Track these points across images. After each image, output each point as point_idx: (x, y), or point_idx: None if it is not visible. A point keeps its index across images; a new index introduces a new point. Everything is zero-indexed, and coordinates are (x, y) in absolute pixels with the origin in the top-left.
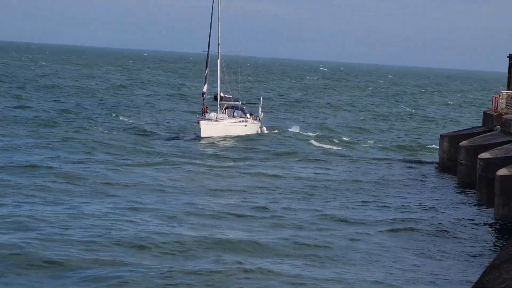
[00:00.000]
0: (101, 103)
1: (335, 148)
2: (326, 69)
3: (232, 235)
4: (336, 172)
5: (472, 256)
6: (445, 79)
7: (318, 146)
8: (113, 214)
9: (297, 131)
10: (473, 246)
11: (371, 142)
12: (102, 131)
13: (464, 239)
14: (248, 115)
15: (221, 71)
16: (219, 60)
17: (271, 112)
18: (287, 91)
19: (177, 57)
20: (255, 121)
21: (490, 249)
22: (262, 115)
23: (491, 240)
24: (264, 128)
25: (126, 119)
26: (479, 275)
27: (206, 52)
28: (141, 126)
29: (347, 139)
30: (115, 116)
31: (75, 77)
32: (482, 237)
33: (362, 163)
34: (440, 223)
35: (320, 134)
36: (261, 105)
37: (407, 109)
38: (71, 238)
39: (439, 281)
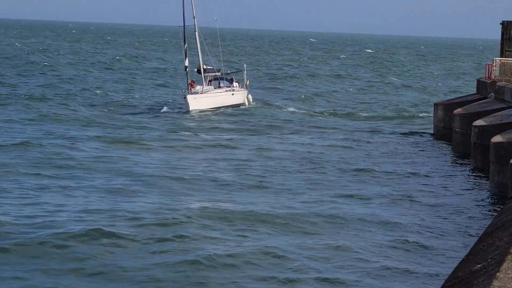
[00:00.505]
0: (83, 80)
1: (326, 119)
2: (315, 40)
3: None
4: (329, 143)
5: (467, 224)
6: (438, 47)
7: (308, 118)
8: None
9: (285, 103)
10: (468, 214)
11: (363, 113)
12: (86, 108)
13: (459, 206)
14: (234, 84)
15: (200, 43)
16: (197, 33)
17: (257, 85)
18: (273, 62)
19: (156, 30)
20: (242, 89)
21: (484, 217)
22: (248, 82)
23: (486, 207)
24: (250, 96)
25: (113, 96)
26: (474, 243)
27: (182, 27)
28: (127, 103)
29: (337, 110)
30: (101, 93)
31: (66, 54)
32: (477, 205)
33: (354, 134)
34: (434, 191)
35: (309, 106)
36: (245, 72)
37: (398, 78)
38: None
39: (434, 249)
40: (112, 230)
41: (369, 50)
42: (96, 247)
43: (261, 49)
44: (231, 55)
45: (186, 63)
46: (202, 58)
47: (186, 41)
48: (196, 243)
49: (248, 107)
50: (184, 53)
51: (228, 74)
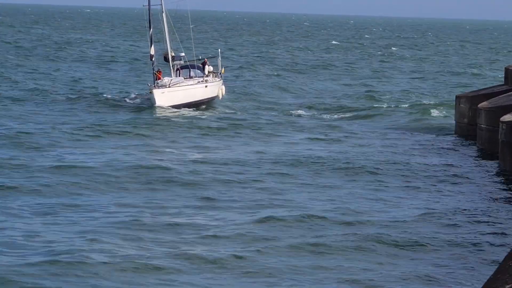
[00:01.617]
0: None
1: (327, 115)
2: (308, 24)
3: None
4: (340, 141)
5: (493, 235)
6: (448, 29)
7: (309, 115)
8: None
9: (270, 97)
10: (494, 225)
11: (364, 107)
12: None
13: (485, 215)
14: (207, 69)
15: (168, 26)
16: (164, 14)
17: (233, 73)
18: (256, 48)
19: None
20: (217, 79)
21: None
22: (223, 70)
23: None
24: (223, 88)
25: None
26: (503, 258)
27: (147, 7)
28: (89, 98)
29: (342, 104)
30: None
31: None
32: (506, 214)
33: (360, 133)
34: (455, 198)
35: (306, 101)
36: (219, 59)
37: (408, 63)
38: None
39: (457, 262)
40: None
41: (367, 36)
42: None
43: (238, 30)
44: (208, 40)
45: (152, 51)
46: (171, 44)
47: (151, 24)
48: None
49: (222, 102)
50: (149, 39)
51: (199, 59)
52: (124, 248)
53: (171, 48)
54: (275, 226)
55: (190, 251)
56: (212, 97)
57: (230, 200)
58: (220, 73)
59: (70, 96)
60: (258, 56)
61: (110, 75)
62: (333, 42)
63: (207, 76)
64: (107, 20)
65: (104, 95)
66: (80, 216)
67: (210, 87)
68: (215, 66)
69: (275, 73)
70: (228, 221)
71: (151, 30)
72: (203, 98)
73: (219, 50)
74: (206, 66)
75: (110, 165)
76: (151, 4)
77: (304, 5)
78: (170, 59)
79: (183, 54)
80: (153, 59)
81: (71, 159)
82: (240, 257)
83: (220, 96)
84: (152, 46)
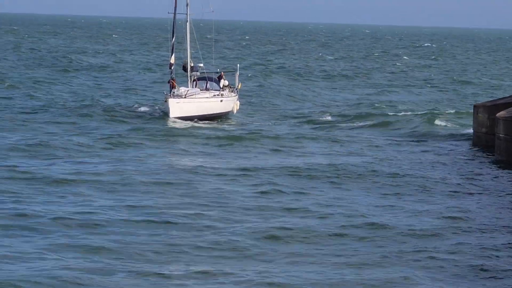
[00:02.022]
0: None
1: (341, 124)
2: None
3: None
4: (357, 151)
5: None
6: (464, 38)
7: (315, 125)
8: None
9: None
10: None
11: (379, 116)
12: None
13: (506, 226)
14: (222, 83)
15: (191, 36)
16: (188, 23)
17: (249, 85)
18: (275, 58)
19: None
20: (232, 94)
21: None
22: (240, 85)
23: None
24: (238, 102)
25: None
26: None
27: (172, 15)
28: (103, 106)
29: (358, 113)
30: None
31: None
32: None
33: (375, 142)
34: (476, 209)
35: (316, 110)
36: (238, 74)
37: (424, 72)
38: None
39: (483, 273)
40: None
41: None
42: None
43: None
44: (228, 49)
45: (172, 60)
46: (191, 54)
47: (175, 33)
48: None
49: (237, 116)
50: (171, 48)
51: (216, 72)
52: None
53: (191, 58)
54: (290, 237)
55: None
56: (226, 112)
57: (245, 208)
58: (237, 89)
59: (81, 106)
60: (270, 65)
61: (119, 85)
62: (350, 52)
63: (223, 90)
64: (122, 29)
65: (116, 105)
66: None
67: (226, 102)
68: (232, 80)
69: (290, 82)
70: (243, 228)
71: (174, 38)
72: (217, 112)
73: (238, 65)
74: (222, 80)
75: (124, 174)
76: (177, 12)
77: (319, 14)
78: (189, 69)
79: (201, 64)
80: (172, 67)
81: (86, 169)
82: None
83: (235, 111)
84: (173, 55)
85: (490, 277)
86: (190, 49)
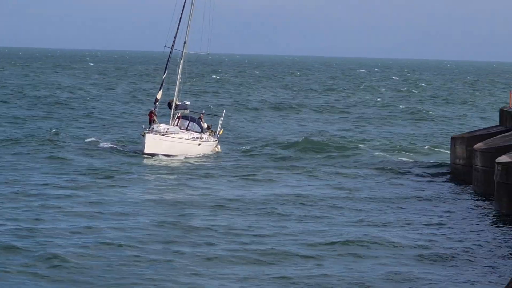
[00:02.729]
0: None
1: (320, 156)
2: (319, 66)
3: None
4: (325, 184)
5: (490, 279)
6: (438, 71)
7: (299, 156)
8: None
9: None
10: (490, 269)
11: (363, 146)
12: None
13: (479, 259)
14: (203, 124)
15: (182, 74)
16: (181, 61)
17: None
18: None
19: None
20: (212, 138)
21: (508, 272)
22: (221, 132)
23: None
24: (219, 147)
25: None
26: None
27: (169, 49)
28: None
29: (333, 145)
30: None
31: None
32: (500, 257)
33: (354, 173)
34: (453, 244)
35: (301, 140)
36: (222, 119)
37: (401, 106)
38: None
39: None
40: None
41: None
42: None
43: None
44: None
45: (159, 95)
46: (179, 91)
47: (167, 68)
48: None
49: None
50: (161, 83)
51: (203, 113)
52: None
53: (178, 95)
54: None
55: None
56: (203, 155)
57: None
58: (218, 135)
59: (56, 141)
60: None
61: (97, 119)
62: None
63: (203, 132)
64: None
65: (92, 139)
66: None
67: (204, 146)
68: (215, 125)
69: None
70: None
71: (165, 74)
72: (193, 154)
73: (224, 111)
74: (201, 122)
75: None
76: (173, 48)
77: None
78: (173, 107)
79: (188, 102)
80: (157, 103)
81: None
82: None
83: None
84: (161, 90)
85: None
86: (179, 87)
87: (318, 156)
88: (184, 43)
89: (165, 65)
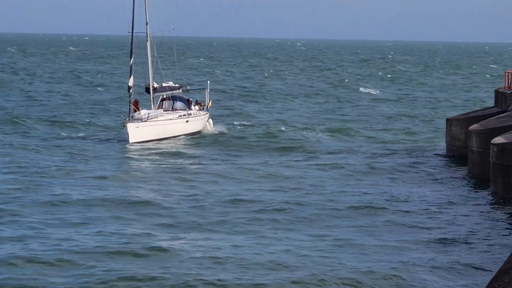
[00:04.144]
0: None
1: (315, 139)
2: (304, 48)
3: None
4: (326, 168)
5: (481, 259)
6: (436, 53)
7: (296, 139)
8: None
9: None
10: (483, 248)
11: (354, 133)
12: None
13: (474, 239)
14: (193, 106)
15: (152, 56)
16: (148, 43)
17: (225, 104)
18: (247, 75)
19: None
20: (202, 112)
21: (502, 251)
22: (210, 103)
23: (505, 240)
24: (211, 121)
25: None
26: (488, 281)
27: (130, 34)
28: (53, 131)
29: (326, 129)
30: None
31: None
32: (494, 237)
33: (351, 158)
34: (446, 221)
35: (295, 124)
36: (208, 91)
37: (397, 91)
38: None
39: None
40: None
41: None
42: None
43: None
44: (194, 70)
45: (131, 82)
46: (153, 74)
47: (133, 54)
48: None
49: (208, 134)
50: (130, 69)
51: (187, 90)
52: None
53: (153, 79)
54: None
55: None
56: (193, 133)
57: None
58: (207, 107)
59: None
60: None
61: (80, 107)
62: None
63: (191, 108)
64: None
65: (76, 130)
66: None
67: (193, 122)
68: (203, 99)
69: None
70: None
71: (132, 59)
72: (183, 133)
73: (208, 82)
74: (192, 106)
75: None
76: (134, 32)
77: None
78: (151, 90)
79: (171, 83)
80: (130, 90)
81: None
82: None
83: (209, 129)
84: (131, 77)
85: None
86: (153, 70)
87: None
88: (146, 23)
89: (130, 50)
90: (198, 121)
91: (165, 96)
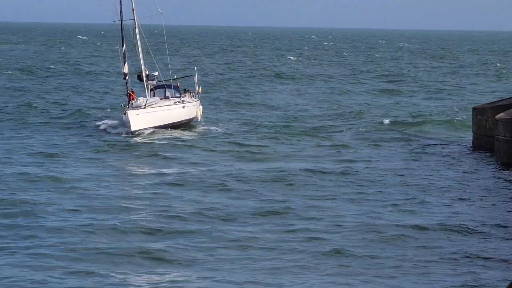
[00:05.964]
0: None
1: (335, 125)
2: (315, 37)
3: None
4: (353, 157)
5: (509, 252)
6: (453, 41)
7: (316, 126)
8: None
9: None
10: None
11: (376, 122)
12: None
13: (506, 229)
14: (184, 93)
15: (141, 42)
16: (137, 30)
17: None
18: (244, 63)
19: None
20: (193, 99)
21: None
22: (200, 90)
23: None
24: (201, 107)
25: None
26: None
27: (119, 22)
28: (57, 121)
29: (343, 114)
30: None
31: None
32: None
33: (373, 146)
34: (475, 216)
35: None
36: (196, 77)
37: (417, 78)
38: None
39: (474, 282)
40: None
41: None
42: None
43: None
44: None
45: (125, 69)
46: (144, 61)
47: (124, 40)
48: None
49: (202, 122)
50: (121, 57)
51: (175, 79)
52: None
53: (145, 66)
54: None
55: None
56: (190, 119)
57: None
58: (197, 93)
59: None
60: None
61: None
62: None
63: (183, 96)
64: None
65: (75, 118)
66: None
67: (188, 108)
68: (191, 85)
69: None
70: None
71: (124, 46)
72: (181, 119)
73: (195, 68)
74: (185, 93)
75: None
76: (123, 19)
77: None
78: (144, 77)
79: (156, 73)
80: (127, 77)
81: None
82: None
83: (199, 117)
84: (126, 64)
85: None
86: (144, 57)
87: (335, 124)
88: (133, 9)
89: (121, 38)
90: (192, 107)
91: (153, 86)
